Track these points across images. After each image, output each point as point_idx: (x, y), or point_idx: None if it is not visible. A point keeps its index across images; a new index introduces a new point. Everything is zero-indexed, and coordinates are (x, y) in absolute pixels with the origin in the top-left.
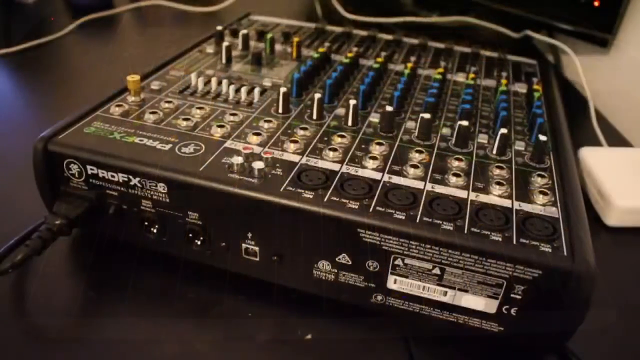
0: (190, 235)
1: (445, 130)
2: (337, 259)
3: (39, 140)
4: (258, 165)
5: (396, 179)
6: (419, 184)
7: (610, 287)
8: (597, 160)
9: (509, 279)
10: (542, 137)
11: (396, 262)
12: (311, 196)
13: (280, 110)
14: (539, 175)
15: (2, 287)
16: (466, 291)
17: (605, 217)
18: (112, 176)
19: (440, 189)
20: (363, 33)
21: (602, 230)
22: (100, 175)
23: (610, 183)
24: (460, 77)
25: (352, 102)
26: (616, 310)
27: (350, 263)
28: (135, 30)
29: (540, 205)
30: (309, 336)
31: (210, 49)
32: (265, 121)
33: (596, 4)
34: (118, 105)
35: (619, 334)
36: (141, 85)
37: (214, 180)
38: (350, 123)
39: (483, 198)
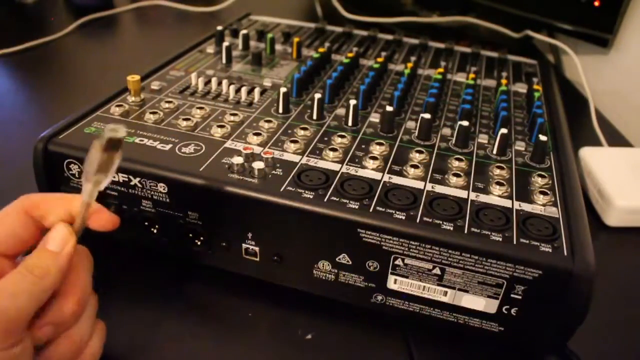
0: (190, 235)
1: (446, 130)
2: (337, 259)
3: (39, 140)
4: (258, 165)
5: (396, 179)
6: (419, 184)
7: (610, 287)
8: (597, 160)
9: (509, 279)
10: (542, 137)
11: (396, 262)
12: (311, 196)
13: (280, 110)
14: (539, 175)
15: None
16: (466, 291)
17: (605, 217)
18: (113, 176)
19: (440, 189)
20: (363, 33)
21: (602, 230)
22: None
23: (610, 183)
24: (460, 77)
25: (352, 102)
26: (616, 310)
27: (350, 263)
28: (135, 30)
29: (540, 205)
30: (309, 336)
31: (210, 49)
32: (266, 121)
33: (596, 4)
34: (118, 106)
35: (619, 333)
36: (141, 86)
37: (214, 180)
38: (350, 123)
39: (483, 198)
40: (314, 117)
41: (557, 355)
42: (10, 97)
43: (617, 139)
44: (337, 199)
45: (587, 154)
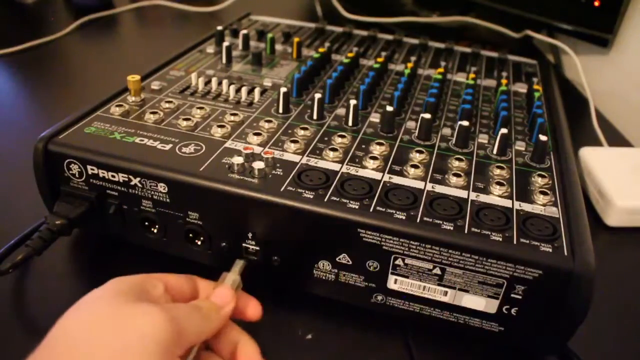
0: (190, 235)
1: (446, 130)
2: (337, 259)
3: (39, 140)
4: (258, 165)
5: (397, 179)
6: (419, 184)
7: (611, 287)
8: (597, 160)
9: (509, 279)
10: (543, 137)
11: (397, 262)
12: (311, 196)
13: (280, 110)
14: (539, 175)
15: (2, 287)
16: (467, 291)
17: (605, 217)
18: (113, 176)
19: (440, 189)
20: (363, 33)
21: (602, 230)
22: (101, 175)
23: (610, 183)
24: (460, 77)
25: (353, 102)
26: (616, 310)
27: (350, 263)
28: (135, 30)
29: (540, 205)
30: (309, 336)
31: (210, 49)
32: (266, 121)
33: (596, 4)
34: (118, 106)
35: (619, 334)
36: (141, 86)
37: (214, 180)
38: (350, 123)
39: (483, 198)
40: (314, 117)
41: (557, 355)
42: (11, 97)
43: (617, 139)
44: (337, 199)
45: (587, 154)
